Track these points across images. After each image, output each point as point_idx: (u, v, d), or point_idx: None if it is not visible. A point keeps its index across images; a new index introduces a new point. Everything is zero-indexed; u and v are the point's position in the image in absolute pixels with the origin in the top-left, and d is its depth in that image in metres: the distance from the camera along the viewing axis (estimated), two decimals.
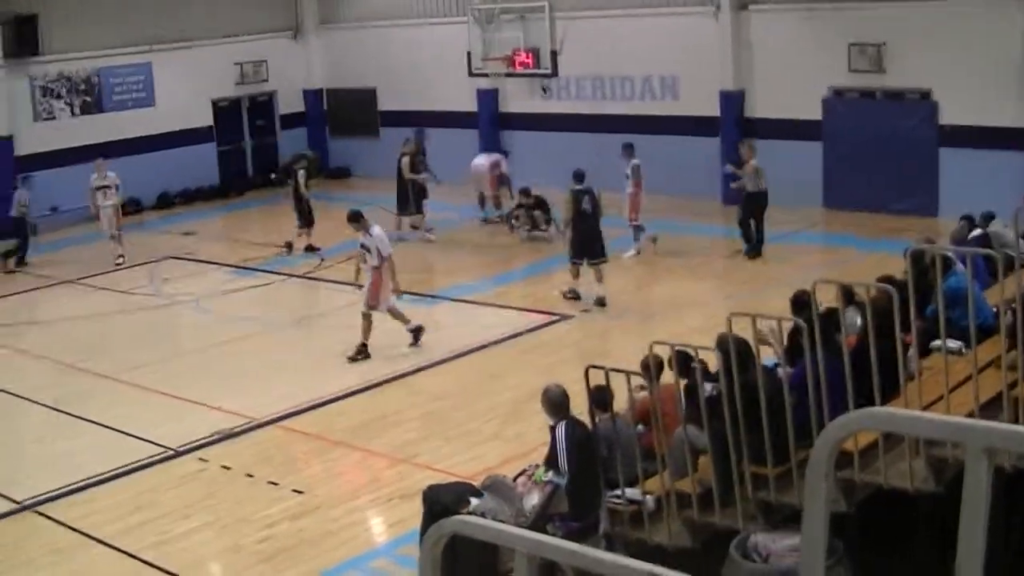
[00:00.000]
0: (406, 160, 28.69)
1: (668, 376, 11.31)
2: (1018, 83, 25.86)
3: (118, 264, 27.33)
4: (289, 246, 28.25)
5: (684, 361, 10.74)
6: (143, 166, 33.44)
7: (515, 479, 11.92)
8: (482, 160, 30.22)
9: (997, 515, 3.44)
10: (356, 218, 20.45)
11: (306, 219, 28.26)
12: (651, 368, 11.35)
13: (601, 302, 22.15)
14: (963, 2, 26.41)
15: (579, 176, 22.80)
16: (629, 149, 26.29)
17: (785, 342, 10.86)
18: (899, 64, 27.59)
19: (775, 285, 21.52)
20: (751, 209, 25.42)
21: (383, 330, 20.41)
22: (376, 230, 20.35)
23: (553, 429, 11.89)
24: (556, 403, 12.03)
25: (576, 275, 22.62)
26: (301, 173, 28.46)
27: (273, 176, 33.46)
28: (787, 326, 10.87)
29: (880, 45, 27.69)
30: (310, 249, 28.12)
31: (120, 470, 15.83)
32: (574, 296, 22.56)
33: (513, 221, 28.21)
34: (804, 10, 28.99)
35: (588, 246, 22.31)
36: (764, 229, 25.42)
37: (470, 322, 21.51)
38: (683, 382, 10.84)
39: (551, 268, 25.00)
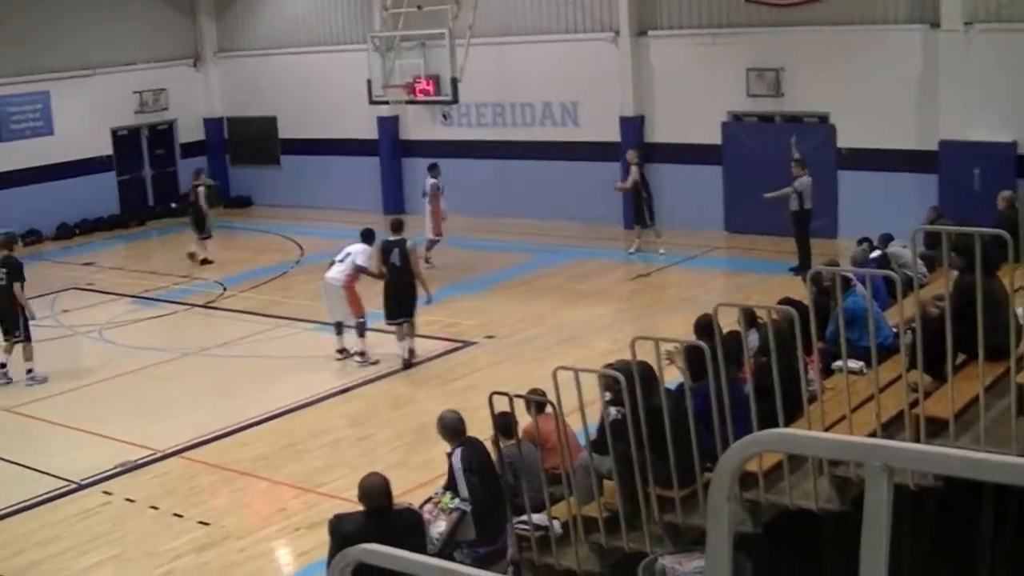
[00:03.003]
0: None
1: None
2: (915, 106, 26.24)
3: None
4: (193, 256, 29.29)
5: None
6: (42, 196, 33.14)
7: (421, 506, 11.87)
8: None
9: (902, 532, 3.50)
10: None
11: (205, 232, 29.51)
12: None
13: (408, 362, 20.84)
14: (860, 27, 26.77)
15: (395, 226, 21.24)
16: (434, 169, 27.64)
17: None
18: (797, 88, 27.91)
19: (680, 308, 21.68)
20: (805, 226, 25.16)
21: (293, 358, 20.25)
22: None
23: (450, 456, 11.89)
24: (451, 428, 12.05)
25: (401, 337, 20.87)
26: (202, 190, 29.21)
27: (174, 206, 33.26)
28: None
29: (778, 70, 28.00)
30: (206, 262, 29.24)
31: (21, 504, 15.56)
32: (371, 361, 20.97)
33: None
34: (702, 36, 29.24)
35: (402, 303, 20.69)
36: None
37: (376, 349, 21.40)
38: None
39: (454, 295, 25.09)
